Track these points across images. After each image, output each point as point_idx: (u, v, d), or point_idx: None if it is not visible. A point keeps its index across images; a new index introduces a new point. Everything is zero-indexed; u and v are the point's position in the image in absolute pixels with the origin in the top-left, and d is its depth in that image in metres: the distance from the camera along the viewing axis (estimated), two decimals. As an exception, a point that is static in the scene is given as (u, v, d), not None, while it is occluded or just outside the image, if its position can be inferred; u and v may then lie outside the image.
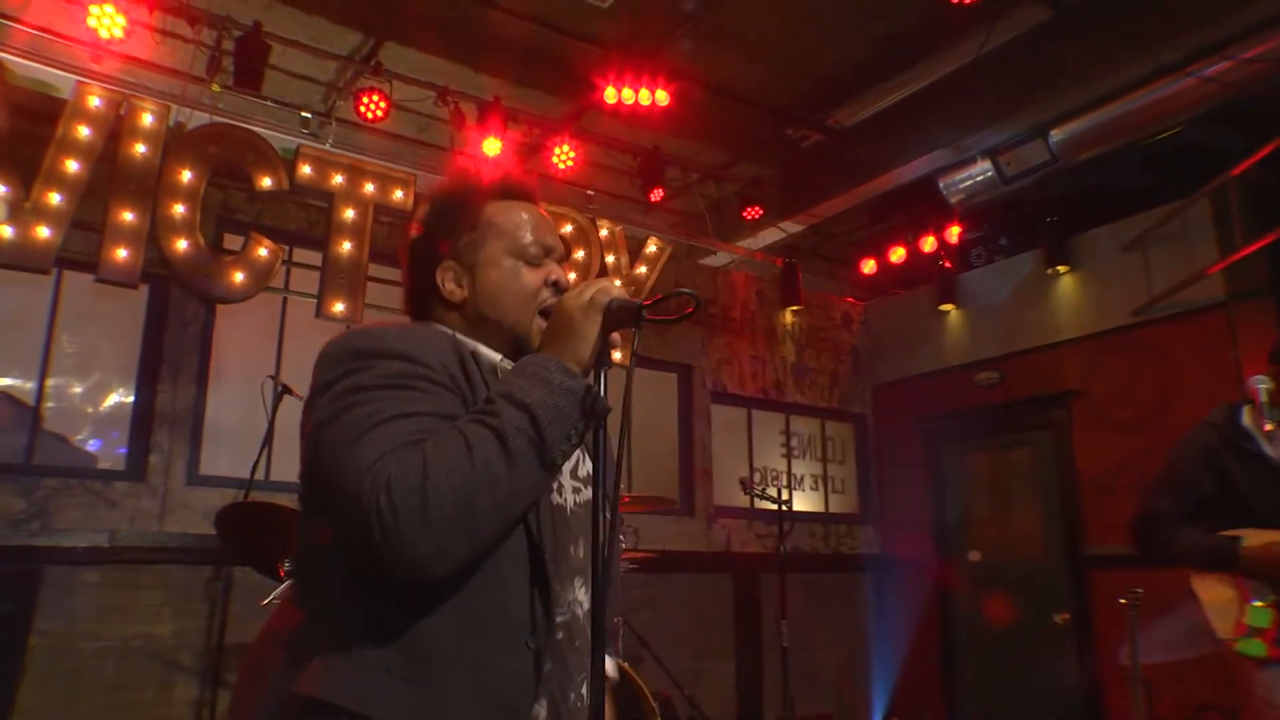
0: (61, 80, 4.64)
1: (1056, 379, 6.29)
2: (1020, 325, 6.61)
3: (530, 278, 1.48)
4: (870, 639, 6.98)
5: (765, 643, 6.45)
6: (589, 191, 6.50)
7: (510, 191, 1.55)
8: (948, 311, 7.12)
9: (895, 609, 7.07)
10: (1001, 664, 6.38)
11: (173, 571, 4.34)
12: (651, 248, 6.29)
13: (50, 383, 4.45)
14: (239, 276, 4.80)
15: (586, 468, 1.50)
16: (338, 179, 5.22)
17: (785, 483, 7.12)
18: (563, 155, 5.90)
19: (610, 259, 6.13)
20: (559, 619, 1.34)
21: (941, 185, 6.33)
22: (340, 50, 5.52)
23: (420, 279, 1.50)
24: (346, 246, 5.20)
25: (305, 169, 5.11)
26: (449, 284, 1.47)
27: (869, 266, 7.24)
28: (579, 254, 6.00)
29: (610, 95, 5.47)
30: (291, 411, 4.26)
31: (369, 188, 5.34)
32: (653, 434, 6.47)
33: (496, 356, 1.46)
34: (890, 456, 7.50)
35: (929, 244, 6.84)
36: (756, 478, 6.90)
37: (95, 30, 4.46)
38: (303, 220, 5.34)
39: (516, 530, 1.28)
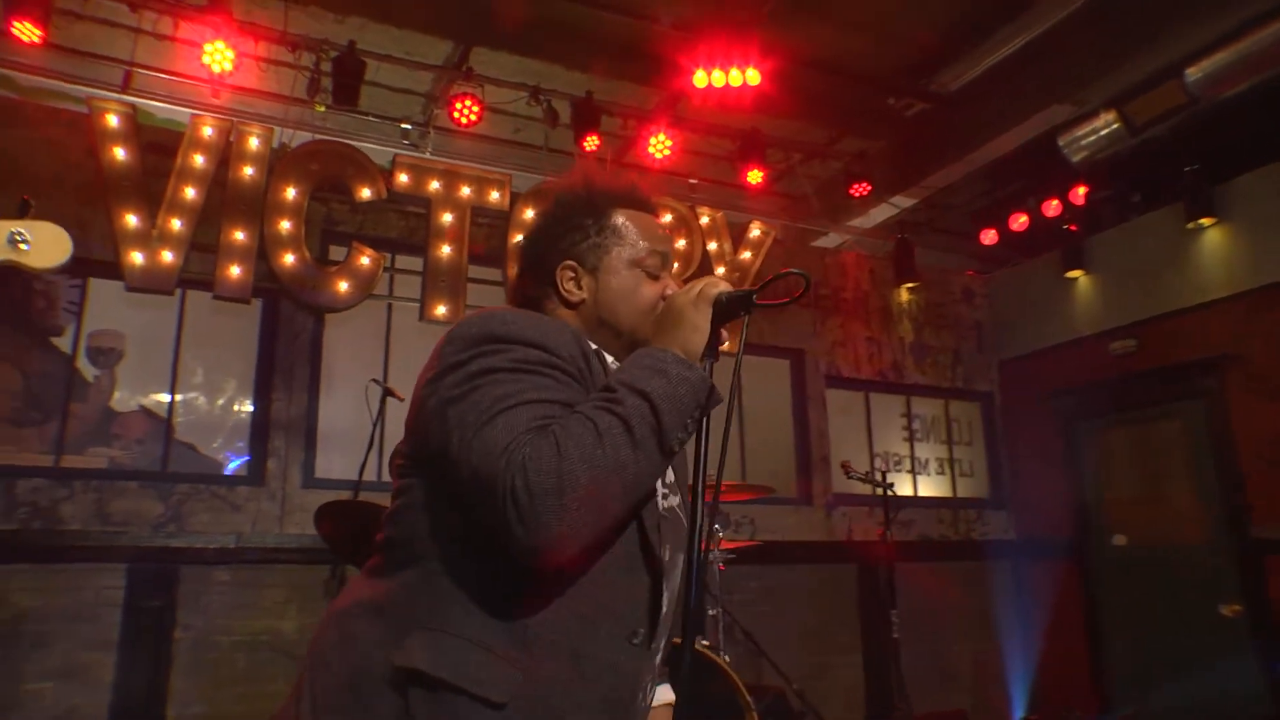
0: (181, 115, 4.93)
1: (1204, 343, 5.76)
2: (1158, 287, 6.09)
3: (649, 291, 1.52)
4: (1007, 630, 6.58)
5: (897, 633, 6.18)
6: (692, 180, 6.42)
7: (636, 201, 1.59)
8: (1076, 278, 6.65)
9: (1033, 598, 6.66)
10: (1160, 660, 5.86)
11: (294, 570, 4.54)
12: (755, 232, 6.15)
13: (179, 397, 4.73)
14: (344, 286, 4.97)
15: (670, 475, 1.52)
16: (434, 185, 5.34)
17: (908, 467, 6.83)
18: (659, 144, 5.83)
19: (713, 246, 6.03)
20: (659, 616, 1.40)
21: (1061, 144, 5.90)
22: (434, 60, 5.64)
23: (537, 274, 1.54)
24: (446, 250, 5.32)
25: (402, 177, 5.25)
26: (568, 284, 1.51)
27: (989, 237, 6.83)
28: (680, 242, 5.93)
29: (700, 79, 5.37)
30: (396, 414, 4.37)
31: (465, 191, 5.44)
32: (766, 422, 6.32)
33: (610, 359, 1.50)
34: (1021, 435, 7.06)
35: (1053, 208, 6.41)
36: (879, 463, 6.65)
37: (209, 66, 4.71)
38: (403, 227, 5.48)
39: (630, 530, 1.33)
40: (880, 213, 7.08)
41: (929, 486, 6.92)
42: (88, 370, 4.58)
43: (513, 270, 5.34)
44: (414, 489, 1.35)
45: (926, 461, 6.93)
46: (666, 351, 1.30)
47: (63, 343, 4.57)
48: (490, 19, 5.38)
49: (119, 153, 4.52)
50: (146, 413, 4.65)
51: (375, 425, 4.51)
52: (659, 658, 1.46)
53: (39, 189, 4.54)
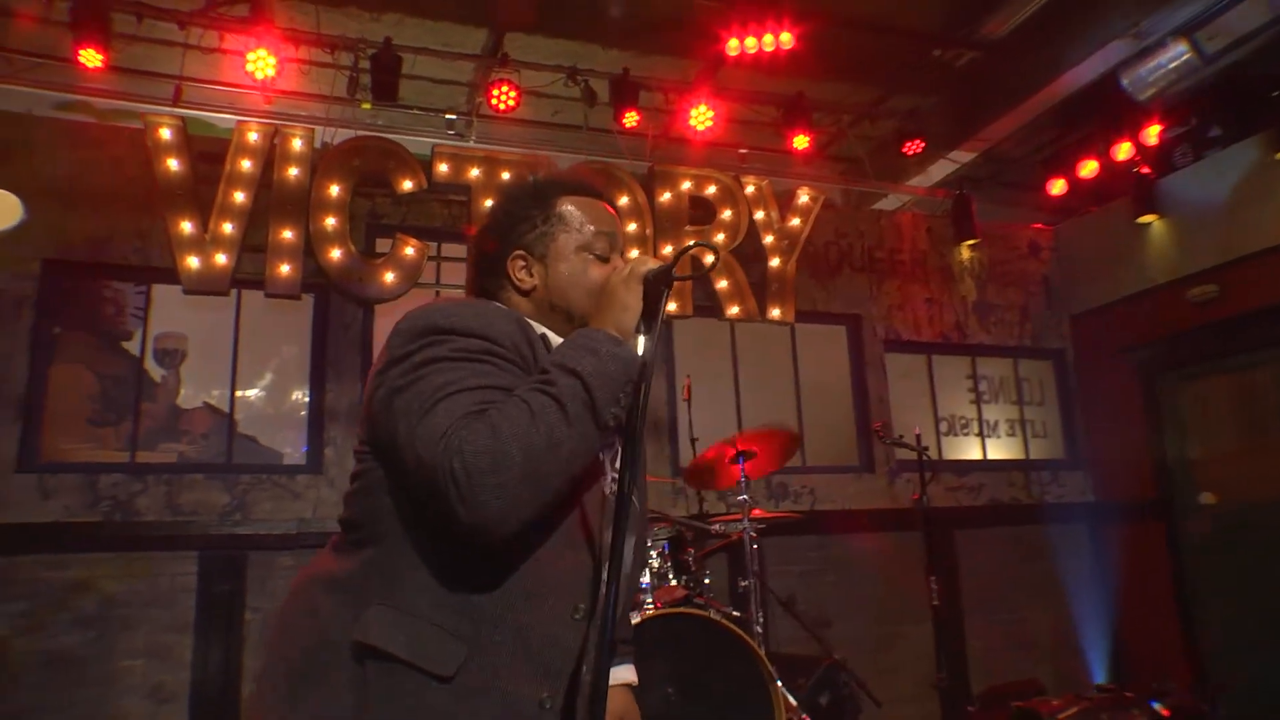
0: (229, 123, 5.14)
1: (1295, 284, 5.37)
2: (1242, 227, 5.68)
3: (597, 273, 1.56)
4: (1084, 597, 6.30)
5: (966, 604, 6.04)
6: (741, 150, 6.35)
7: (581, 188, 1.65)
8: (1149, 224, 6.27)
9: (1114, 562, 6.36)
10: (1260, 627, 5.49)
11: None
12: (803, 198, 6.03)
13: (240, 392, 4.98)
14: (390, 277, 5.11)
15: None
16: (474, 172, 5.42)
17: (976, 430, 6.60)
18: (700, 116, 5.78)
19: (759, 215, 5.94)
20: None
21: (1125, 82, 5.58)
22: (472, 49, 5.72)
23: (491, 266, 1.61)
24: (490, 236, 5.39)
25: (442, 167, 5.35)
26: (519, 273, 1.58)
27: (1057, 187, 6.52)
28: (725, 214, 5.87)
29: (733, 46, 5.29)
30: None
31: (506, 176, 5.50)
32: (824, 391, 6.21)
33: (557, 342, 1.54)
34: (1097, 392, 6.72)
35: (1124, 151, 6.06)
36: (943, 426, 6.47)
37: (253, 74, 4.90)
38: (446, 216, 5.59)
39: (574, 511, 1.42)
40: (939, 170, 6.85)
41: (999, 449, 6.68)
42: (155, 371, 4.87)
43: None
44: (369, 474, 1.43)
45: (995, 423, 6.69)
46: (599, 331, 1.38)
47: (132, 346, 4.86)
48: (523, 5, 5.44)
49: (172, 164, 4.75)
50: (210, 409, 4.91)
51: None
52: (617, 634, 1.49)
53: (104, 204, 4.83)
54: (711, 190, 5.91)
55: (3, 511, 4.41)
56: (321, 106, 5.46)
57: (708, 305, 5.67)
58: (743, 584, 3.78)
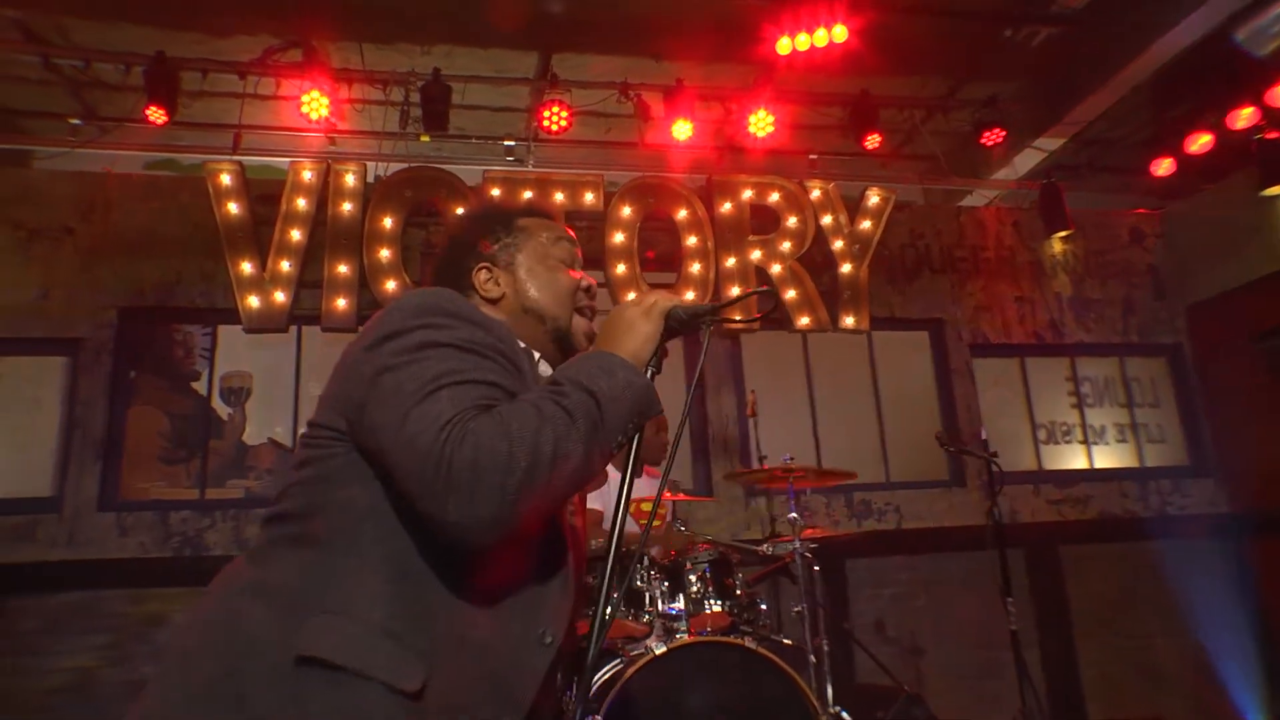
0: (285, 163, 5.29)
1: None
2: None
3: (565, 279, 1.59)
4: (1221, 621, 5.61)
5: (1077, 626, 5.50)
6: (810, 156, 6.11)
7: (537, 210, 1.70)
8: (1276, 196, 5.62)
9: (1259, 582, 5.67)
10: None
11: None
12: (873, 199, 5.72)
13: (302, 428, 5.04)
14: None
15: None
16: (526, 195, 5.38)
17: (1080, 437, 6.05)
18: (760, 122, 5.58)
19: (827, 219, 5.67)
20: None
21: (1240, 37, 5.04)
22: (524, 73, 5.71)
23: (454, 280, 1.58)
24: (545, 259, 5.33)
25: (494, 192, 5.33)
26: (486, 283, 1.57)
27: (1163, 167, 5.94)
28: (790, 221, 5.63)
29: (783, 45, 5.09)
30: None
31: (559, 197, 5.45)
32: (906, 403, 5.83)
33: (536, 355, 1.55)
34: (1224, 389, 6.04)
35: (1244, 117, 5.46)
36: (1041, 434, 5.96)
37: (308, 115, 5.03)
38: (502, 242, 5.56)
39: (550, 534, 1.37)
40: (1026, 161, 6.40)
41: (1107, 457, 6.09)
42: (222, 409, 5.00)
43: (612, 270, 5.31)
44: (324, 462, 1.30)
45: (1102, 429, 6.11)
46: (615, 356, 1.32)
47: (200, 386, 5.02)
48: (570, 25, 5.39)
49: (232, 207, 4.91)
50: (275, 444, 5.01)
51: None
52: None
53: (172, 252, 5.04)
54: (774, 198, 5.68)
55: (86, 548, 4.60)
56: (376, 142, 5.55)
57: (776, 318, 5.42)
58: (796, 609, 3.50)
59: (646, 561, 3.32)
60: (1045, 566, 5.54)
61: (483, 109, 5.86)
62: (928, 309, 5.95)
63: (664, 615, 3.22)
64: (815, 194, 5.69)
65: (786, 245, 5.57)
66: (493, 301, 1.56)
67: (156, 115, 4.89)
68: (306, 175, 5.07)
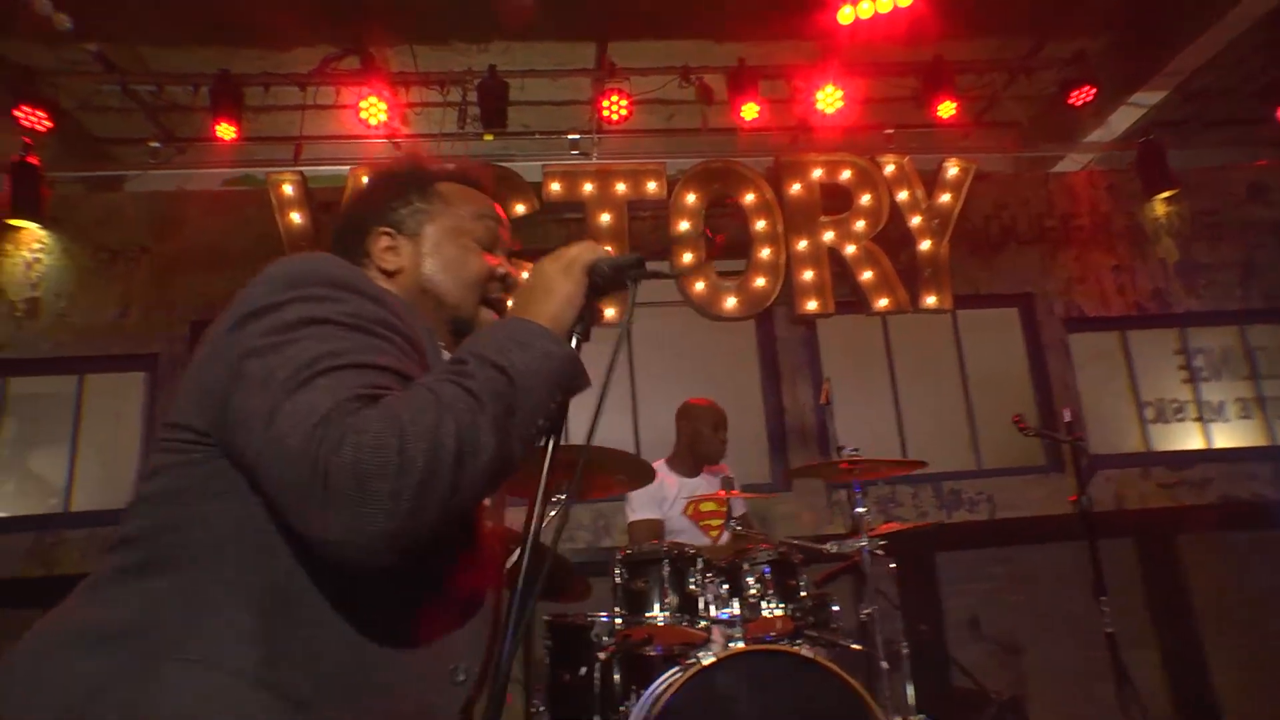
0: (345, 171, 5.33)
1: None
2: None
3: (478, 264, 1.36)
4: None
5: (1202, 623, 5.04)
6: (886, 130, 5.80)
7: (466, 177, 1.44)
8: None
9: None
10: None
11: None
12: (952, 171, 5.39)
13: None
14: (509, 303, 5.05)
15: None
16: (588, 187, 5.29)
17: (1194, 414, 5.55)
18: (828, 97, 5.33)
19: (903, 195, 5.37)
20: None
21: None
22: (584, 64, 5.62)
23: (350, 244, 1.35)
24: (607, 250, 5.22)
25: (554, 186, 5.26)
26: (385, 252, 1.33)
27: (1287, 112, 5.41)
28: (863, 199, 5.36)
29: (845, 15, 4.84)
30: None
31: (620, 188, 5.33)
32: (996, 383, 5.48)
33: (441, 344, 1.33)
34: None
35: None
36: (1148, 412, 5.50)
37: (366, 120, 5.07)
38: (563, 236, 5.48)
39: (468, 545, 1.15)
40: (1122, 120, 5.93)
41: (1229, 436, 5.57)
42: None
43: (678, 259, 5.17)
44: (180, 469, 1.07)
45: (1220, 405, 5.59)
46: (531, 322, 1.11)
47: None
48: (626, 13, 5.26)
49: (294, 217, 4.98)
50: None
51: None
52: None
53: (239, 264, 5.13)
54: (846, 175, 5.42)
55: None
56: (437, 144, 5.55)
57: (852, 300, 5.18)
58: (865, 612, 3.28)
59: (701, 564, 3.16)
60: (1160, 558, 5.11)
61: (545, 104, 5.80)
62: (1016, 283, 5.58)
63: (718, 621, 3.05)
64: (889, 169, 5.40)
65: (861, 224, 5.31)
66: (388, 274, 1.32)
67: (225, 131, 5.01)
68: (365, 180, 5.08)
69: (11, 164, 5.02)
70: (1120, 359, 5.61)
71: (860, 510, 3.41)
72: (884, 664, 3.17)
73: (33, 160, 5.05)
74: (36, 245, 5.20)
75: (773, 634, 3.17)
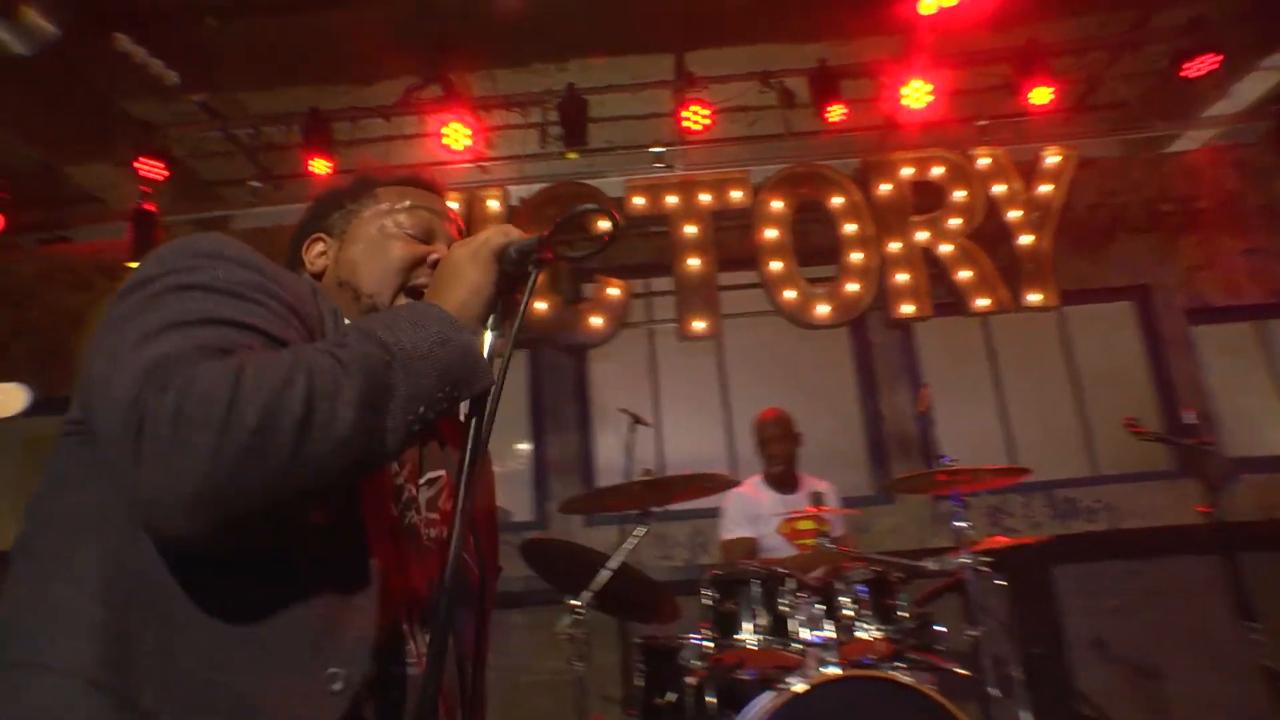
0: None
1: None
2: None
3: (401, 248, 1.26)
4: None
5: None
6: (979, 122, 5.52)
7: (409, 180, 1.38)
8: None
9: None
10: None
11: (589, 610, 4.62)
12: (1051, 159, 5.10)
13: (466, 453, 5.12)
14: (597, 321, 5.04)
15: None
16: (671, 199, 5.25)
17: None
18: (915, 92, 5.11)
19: (999, 188, 5.12)
20: (397, 670, 1.04)
21: None
22: (663, 76, 5.56)
23: (290, 255, 1.33)
24: (693, 263, 5.17)
25: (637, 200, 5.23)
26: (314, 256, 1.31)
27: None
28: (956, 194, 5.13)
29: (926, 5, 4.64)
30: (647, 440, 4.29)
31: (704, 198, 5.27)
32: (1112, 382, 5.13)
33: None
34: None
35: None
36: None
37: (450, 146, 5.14)
38: (650, 250, 5.43)
39: (356, 542, 1.00)
40: (1251, 88, 5.47)
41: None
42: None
43: (766, 268, 5.05)
44: (54, 464, 1.02)
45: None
46: (435, 307, 1.02)
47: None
48: (703, 20, 5.19)
49: (384, 246, 5.07)
50: (440, 472, 5.11)
51: (627, 456, 4.47)
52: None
53: (334, 293, 5.27)
54: (938, 172, 5.21)
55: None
56: (521, 165, 5.59)
57: (949, 302, 4.94)
58: (970, 634, 3.08)
59: (792, 584, 3.03)
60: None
61: (626, 118, 5.76)
62: (1130, 275, 5.22)
63: (811, 644, 2.91)
64: (983, 162, 5.16)
65: (955, 221, 5.08)
66: (317, 276, 1.29)
67: (319, 166, 5.16)
68: (450, 206, 5.15)
69: (132, 211, 5.31)
70: (1258, 352, 5.16)
71: (961, 524, 3.21)
72: (994, 690, 2.96)
73: (149, 207, 5.34)
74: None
75: (871, 657, 3.01)
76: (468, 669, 1.17)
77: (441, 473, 1.24)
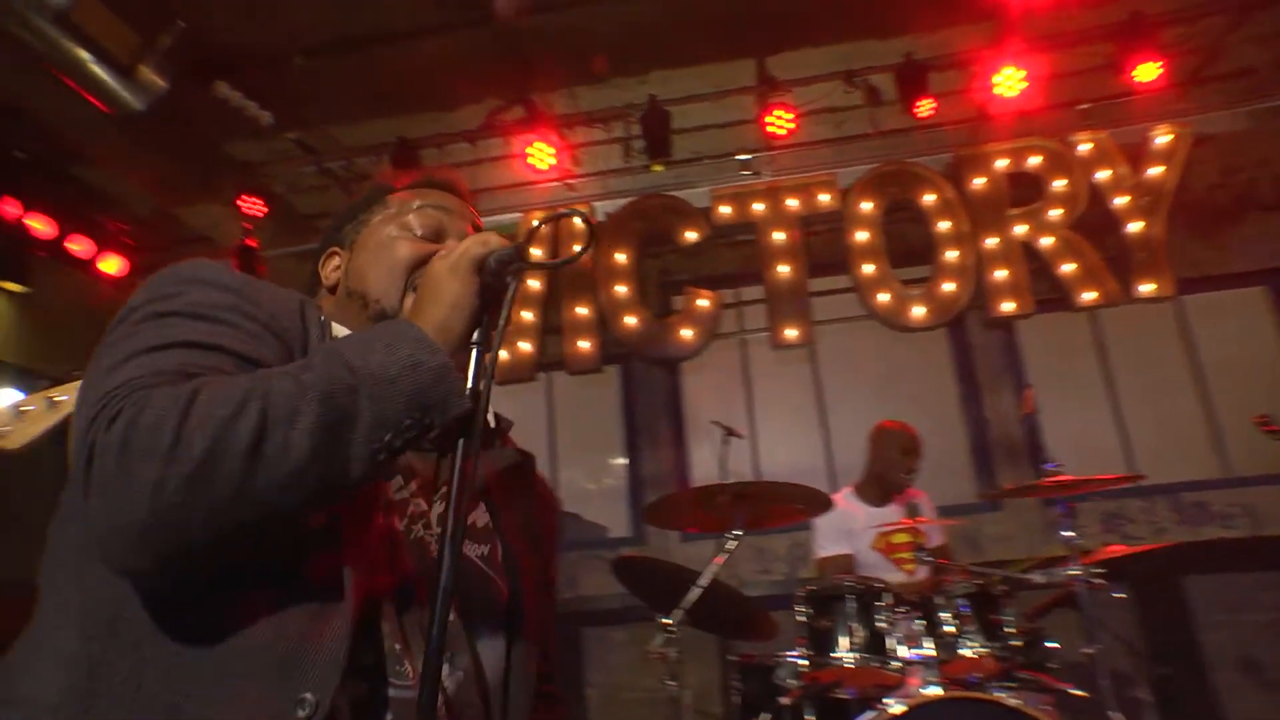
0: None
1: None
2: None
3: (406, 248, 1.22)
4: None
5: None
6: (1081, 106, 5.24)
7: (424, 181, 1.34)
8: None
9: None
10: None
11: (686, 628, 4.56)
12: (1160, 139, 4.80)
13: (560, 472, 5.15)
14: (687, 333, 5.00)
15: (485, 518, 1.21)
16: (757, 206, 5.18)
17: None
18: (1008, 80, 4.89)
19: (1103, 174, 4.85)
20: (391, 692, 0.98)
21: None
22: (746, 82, 5.49)
23: (309, 275, 1.33)
24: (783, 270, 5.07)
25: (723, 209, 5.18)
26: (329, 270, 1.29)
27: None
28: (1056, 184, 4.88)
29: (1017, -17, 4.44)
30: (741, 453, 4.21)
31: (791, 204, 5.18)
32: (1241, 374, 4.76)
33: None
34: None
35: None
36: None
37: (534, 166, 5.21)
38: (738, 259, 5.36)
39: (332, 558, 0.96)
40: None
41: None
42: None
43: (858, 271, 4.91)
44: (64, 494, 1.03)
45: None
46: (411, 326, 0.97)
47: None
48: (783, 22, 5.11)
49: (473, 268, 5.16)
50: (537, 490, 5.14)
51: (721, 468, 4.40)
52: None
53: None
54: (1035, 161, 4.97)
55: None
56: (606, 181, 5.59)
57: (1054, 297, 4.70)
58: (1086, 651, 2.88)
59: (889, 598, 2.90)
60: None
61: (709, 127, 5.69)
62: (1256, 259, 4.85)
63: (910, 662, 2.78)
64: (1084, 148, 4.89)
65: (1056, 213, 4.83)
66: (331, 291, 1.27)
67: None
68: (534, 223, 5.20)
69: (236, 248, 5.57)
70: None
71: (1068, 534, 3.02)
72: (1116, 714, 2.76)
73: (252, 242, 5.58)
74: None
75: (976, 676, 2.85)
76: (494, 695, 1.10)
77: None
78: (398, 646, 1.01)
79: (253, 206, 5.41)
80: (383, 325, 1.01)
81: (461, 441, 0.94)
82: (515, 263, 0.99)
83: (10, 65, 4.15)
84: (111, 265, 5.42)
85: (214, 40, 4.51)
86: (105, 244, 5.37)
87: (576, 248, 1.04)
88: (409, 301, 1.17)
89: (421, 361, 0.92)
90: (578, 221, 0.97)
